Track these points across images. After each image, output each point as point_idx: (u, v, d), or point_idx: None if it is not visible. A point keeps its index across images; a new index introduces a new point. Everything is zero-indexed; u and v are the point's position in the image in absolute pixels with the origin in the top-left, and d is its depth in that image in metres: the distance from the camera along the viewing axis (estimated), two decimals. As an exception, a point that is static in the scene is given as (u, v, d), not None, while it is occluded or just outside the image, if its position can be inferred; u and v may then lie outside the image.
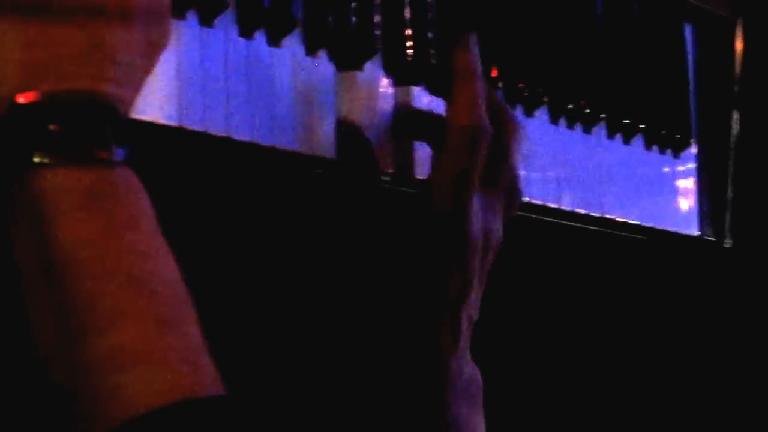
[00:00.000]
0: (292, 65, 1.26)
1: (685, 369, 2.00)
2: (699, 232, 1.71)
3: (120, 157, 1.00)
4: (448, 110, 1.33)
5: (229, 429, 0.98)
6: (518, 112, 1.46)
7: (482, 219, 1.31)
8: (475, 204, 1.31)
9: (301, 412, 1.28)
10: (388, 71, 1.35)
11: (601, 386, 1.95)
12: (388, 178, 1.36)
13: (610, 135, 1.58)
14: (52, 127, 0.98)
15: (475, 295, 1.30)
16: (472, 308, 1.30)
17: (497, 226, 1.31)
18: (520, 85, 1.47)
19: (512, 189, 1.35)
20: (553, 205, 1.50)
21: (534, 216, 1.49)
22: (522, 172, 1.40)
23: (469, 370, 1.29)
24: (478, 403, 1.30)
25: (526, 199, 1.44)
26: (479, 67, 1.35)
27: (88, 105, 1.00)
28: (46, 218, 0.98)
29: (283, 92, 1.26)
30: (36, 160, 0.97)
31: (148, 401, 0.95)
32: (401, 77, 1.36)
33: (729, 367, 2.01)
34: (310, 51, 1.27)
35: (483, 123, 1.31)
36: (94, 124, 1.00)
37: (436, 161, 1.32)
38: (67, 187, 0.98)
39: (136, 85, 1.05)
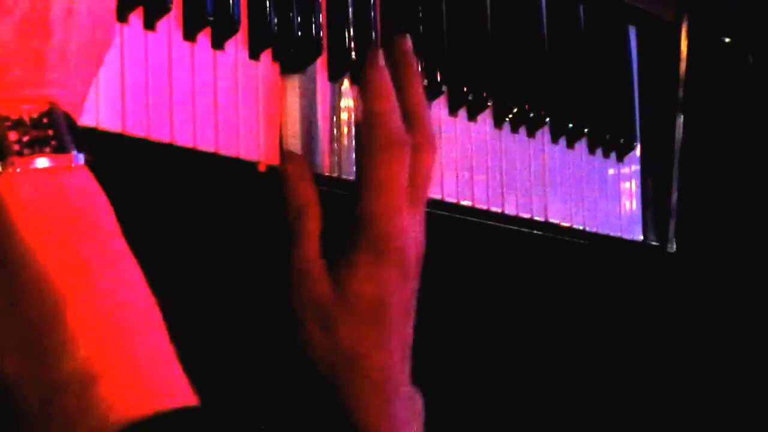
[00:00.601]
0: (235, 68, 1.28)
1: (627, 373, 1.98)
2: (642, 237, 1.72)
3: (79, 161, 1.01)
4: (363, 122, 1.36)
5: None
6: (462, 116, 1.49)
7: (415, 227, 1.33)
8: (409, 216, 1.32)
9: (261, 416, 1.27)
10: (331, 72, 1.37)
11: (545, 389, 1.93)
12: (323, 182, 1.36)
13: (554, 139, 1.59)
14: (10, 134, 0.99)
15: (413, 306, 1.33)
16: (411, 324, 1.33)
17: (422, 238, 1.33)
18: (464, 89, 1.48)
19: (425, 199, 1.36)
20: (496, 209, 1.51)
21: (477, 220, 1.50)
22: (465, 174, 1.42)
23: (411, 390, 1.31)
24: (420, 420, 1.32)
25: (469, 203, 1.49)
26: (412, 68, 1.39)
27: (46, 112, 1.00)
28: (6, 231, 0.98)
29: (226, 96, 1.27)
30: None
31: (121, 415, 0.94)
32: (339, 75, 1.38)
33: (671, 372, 2.01)
34: (254, 54, 1.29)
35: (398, 134, 1.33)
36: (48, 129, 1.00)
37: (358, 169, 1.34)
38: (28, 196, 0.99)
39: (84, 90, 1.07)
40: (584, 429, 1.99)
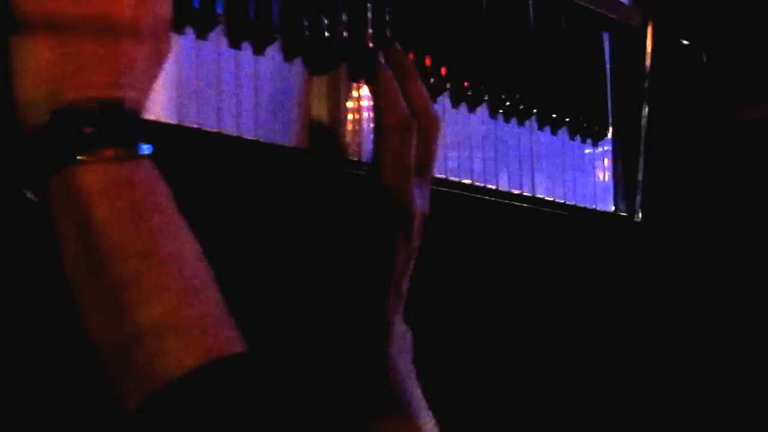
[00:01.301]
0: (274, 70, 1.26)
1: (602, 328, 1.99)
2: (614, 208, 1.71)
3: (144, 152, 1.00)
4: (375, 109, 1.35)
5: (252, 382, 0.97)
6: (462, 108, 1.47)
7: (422, 198, 1.32)
8: (417, 189, 1.31)
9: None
10: (351, 73, 1.35)
11: (532, 349, 1.93)
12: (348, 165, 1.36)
13: (540, 126, 1.59)
14: (86, 129, 0.98)
15: (413, 263, 1.32)
16: (409, 275, 1.31)
17: (426, 206, 1.32)
18: (465, 85, 1.47)
19: (431, 174, 1.36)
20: (491, 186, 1.50)
21: (476, 196, 1.49)
22: (465, 155, 1.42)
23: (403, 327, 1.30)
24: (410, 353, 1.30)
25: (469, 180, 1.47)
26: (408, 67, 1.37)
27: (113, 109, 1.00)
28: (86, 209, 0.98)
29: (265, 93, 1.26)
30: (76, 158, 0.97)
31: (184, 363, 0.94)
32: (358, 76, 1.36)
33: (637, 329, 2.01)
34: (289, 57, 1.27)
35: (406, 119, 1.32)
36: (120, 125, 1.00)
37: (375, 149, 1.33)
38: (102, 180, 0.98)
39: (148, 89, 1.06)
40: (567, 384, 1.97)
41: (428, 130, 1.35)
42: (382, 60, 1.36)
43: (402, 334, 1.29)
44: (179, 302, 0.98)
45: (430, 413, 1.30)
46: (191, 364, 0.94)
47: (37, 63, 1.01)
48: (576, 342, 1.96)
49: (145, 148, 1.00)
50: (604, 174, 1.72)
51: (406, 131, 1.31)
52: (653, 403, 2.03)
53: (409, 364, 1.30)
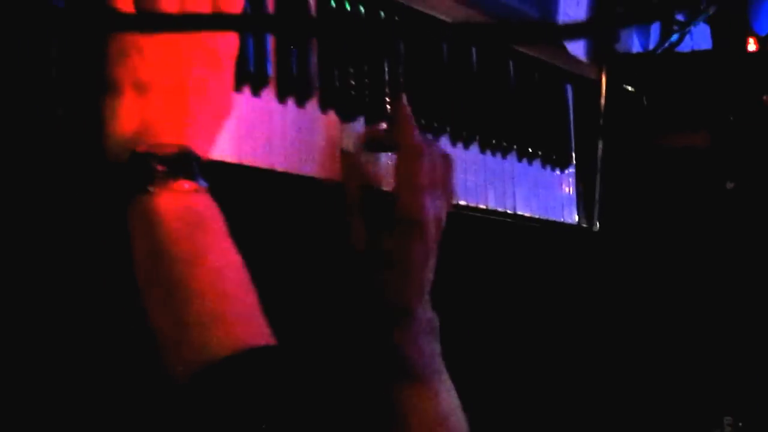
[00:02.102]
0: (312, 118, 1.27)
1: (566, 318, 1.91)
2: (576, 221, 1.71)
3: (201, 186, 1.01)
4: (396, 137, 1.32)
5: (278, 368, 0.97)
6: (459, 146, 1.48)
7: (435, 208, 1.29)
8: (429, 200, 1.28)
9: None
10: (371, 121, 1.35)
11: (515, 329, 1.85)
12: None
13: (519, 159, 1.59)
14: (158, 167, 1.00)
15: (433, 260, 1.29)
16: (430, 270, 1.28)
17: (443, 215, 1.30)
18: (461, 130, 1.48)
19: (451, 195, 1.33)
20: (482, 205, 1.51)
21: (467, 214, 1.49)
22: (460, 182, 1.41)
23: (429, 314, 1.27)
24: (437, 336, 1.28)
25: (464, 201, 1.47)
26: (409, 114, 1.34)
27: (178, 153, 1.01)
28: (156, 230, 1.00)
29: (306, 137, 1.26)
30: (149, 189, 0.99)
31: (222, 351, 0.95)
32: (375, 122, 1.36)
33: (594, 321, 1.93)
34: (324, 109, 1.28)
35: (419, 146, 1.30)
36: (183, 165, 1.01)
37: (397, 173, 1.30)
38: (169, 208, 1.00)
39: (211, 139, 1.07)
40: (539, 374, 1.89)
41: (437, 160, 1.32)
42: (405, 102, 1.34)
43: (427, 320, 1.27)
44: (220, 302, 0.99)
45: (453, 389, 1.28)
46: (227, 353, 0.95)
47: (123, 118, 1.02)
48: (541, 330, 1.89)
49: (202, 183, 1.02)
50: (569, 194, 1.71)
51: (416, 157, 1.29)
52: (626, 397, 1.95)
53: (432, 344, 1.27)
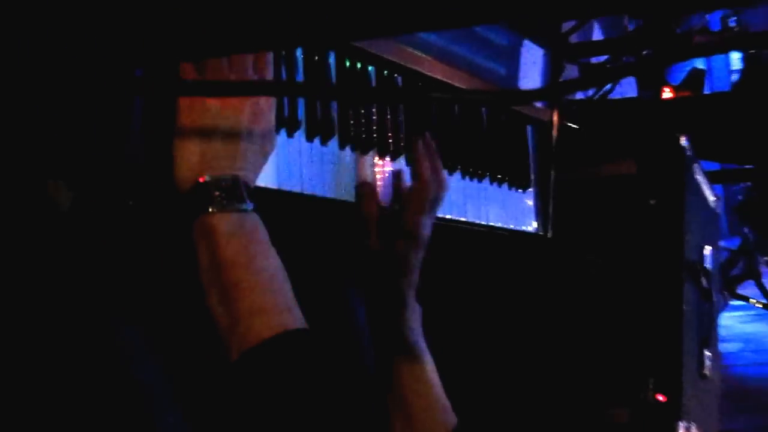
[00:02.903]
0: (333, 154, 1.26)
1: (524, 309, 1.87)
2: (536, 229, 1.69)
3: (249, 207, 1.02)
4: (412, 173, 1.33)
5: (306, 345, 0.98)
6: (445, 172, 1.41)
7: (429, 227, 1.30)
8: (428, 221, 1.30)
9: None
10: (380, 153, 1.34)
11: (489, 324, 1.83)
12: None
13: (491, 182, 1.58)
14: (216, 193, 1.01)
15: (419, 261, 1.29)
16: (418, 271, 1.29)
17: (429, 231, 1.30)
18: (449, 163, 1.47)
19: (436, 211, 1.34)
20: (463, 218, 1.50)
21: (452, 225, 1.49)
22: (447, 196, 1.38)
23: (415, 303, 1.28)
24: (420, 321, 1.28)
25: (449, 215, 1.46)
26: (432, 151, 1.34)
27: (232, 182, 1.02)
28: (215, 242, 1.00)
29: (329, 168, 1.25)
30: (209, 210, 1.00)
31: (264, 334, 0.97)
32: (384, 155, 1.35)
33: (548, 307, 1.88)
34: (346, 146, 1.28)
35: (431, 183, 1.31)
36: (235, 191, 1.02)
37: (406, 197, 1.31)
38: (225, 225, 1.00)
39: (257, 171, 1.07)
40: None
41: (439, 190, 1.33)
42: (420, 144, 1.33)
43: (415, 307, 1.28)
44: (263, 297, 0.99)
45: (433, 362, 1.27)
46: (269, 335, 0.96)
47: (188, 156, 1.02)
48: (509, 315, 1.85)
49: (251, 205, 1.02)
50: (530, 208, 1.69)
51: (426, 191, 1.31)
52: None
53: (419, 327, 1.28)
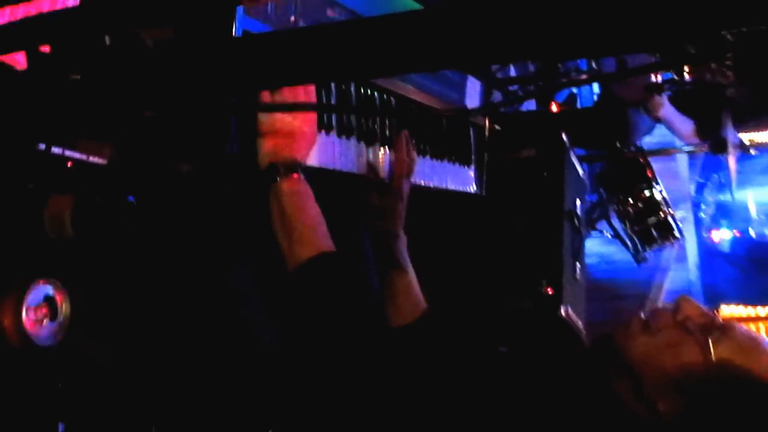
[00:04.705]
0: (349, 144, 1.21)
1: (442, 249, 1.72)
2: (475, 190, 1.61)
3: (302, 177, 1.00)
4: (396, 155, 1.27)
5: (336, 263, 0.96)
6: (420, 155, 1.39)
7: (407, 186, 1.26)
8: (406, 184, 1.26)
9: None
10: (381, 145, 1.29)
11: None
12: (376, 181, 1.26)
13: (448, 162, 1.51)
14: (281, 169, 0.99)
15: (404, 208, 1.25)
16: (404, 214, 1.24)
17: (408, 189, 1.26)
18: (422, 146, 1.41)
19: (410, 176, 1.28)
20: (431, 184, 1.45)
21: (425, 189, 1.41)
22: (421, 169, 1.35)
23: (403, 235, 1.24)
24: (405, 246, 1.23)
25: (422, 182, 1.40)
26: (408, 141, 1.29)
27: (292, 162, 0.98)
28: (280, 199, 0.99)
29: (351, 151, 1.21)
30: (278, 179, 0.99)
31: (310, 254, 0.95)
32: (384, 146, 1.28)
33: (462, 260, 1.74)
34: (360, 140, 1.24)
35: (404, 160, 1.26)
36: (294, 168, 0.98)
37: (392, 168, 1.26)
38: (287, 189, 0.99)
39: (305, 156, 1.05)
40: None
41: (411, 165, 1.29)
42: (401, 137, 1.29)
43: (402, 237, 1.24)
44: (309, 231, 0.97)
45: (413, 272, 1.21)
46: (311, 255, 0.95)
47: (265, 147, 1.00)
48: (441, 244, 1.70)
49: (302, 176, 1.00)
50: (472, 177, 1.60)
51: (403, 164, 1.27)
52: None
53: (405, 250, 1.24)
